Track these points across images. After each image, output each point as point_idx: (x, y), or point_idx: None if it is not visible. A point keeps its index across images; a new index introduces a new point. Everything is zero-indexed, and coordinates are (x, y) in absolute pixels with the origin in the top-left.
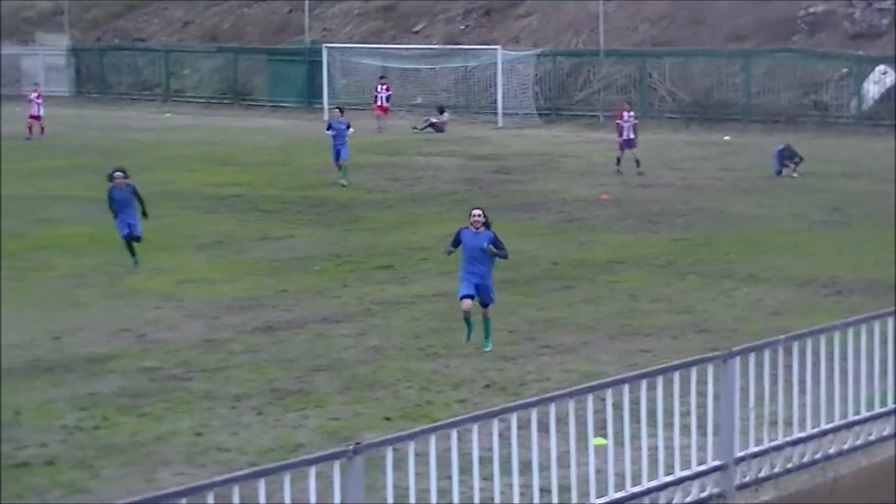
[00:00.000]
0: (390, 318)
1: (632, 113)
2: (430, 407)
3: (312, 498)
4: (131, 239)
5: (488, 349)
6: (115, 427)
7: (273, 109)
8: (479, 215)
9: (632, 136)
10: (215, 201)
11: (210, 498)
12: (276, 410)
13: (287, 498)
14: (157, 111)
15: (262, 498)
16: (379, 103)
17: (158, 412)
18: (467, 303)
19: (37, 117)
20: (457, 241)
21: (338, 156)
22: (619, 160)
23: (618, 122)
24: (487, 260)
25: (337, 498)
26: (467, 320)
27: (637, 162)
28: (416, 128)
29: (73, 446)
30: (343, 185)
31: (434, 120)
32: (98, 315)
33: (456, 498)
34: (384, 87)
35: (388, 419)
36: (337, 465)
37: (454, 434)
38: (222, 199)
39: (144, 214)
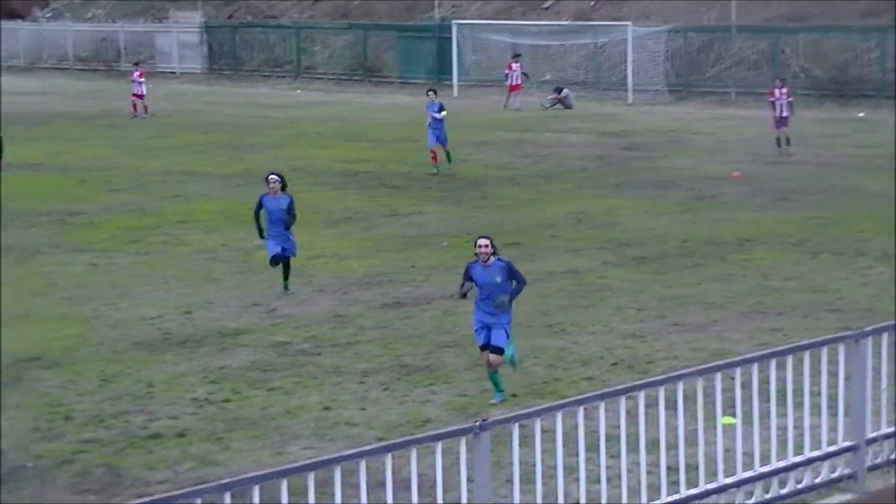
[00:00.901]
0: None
1: (784, 90)
2: (558, 384)
3: (439, 473)
4: (283, 259)
5: (497, 401)
6: (245, 400)
7: (402, 86)
8: (487, 245)
9: (785, 113)
10: (345, 177)
11: (338, 472)
12: (404, 386)
13: (414, 473)
14: (288, 88)
15: (388, 472)
16: (512, 82)
17: (288, 386)
18: (486, 354)
19: (140, 96)
20: (467, 278)
21: (436, 140)
22: (778, 140)
23: (770, 99)
24: (505, 296)
25: (463, 474)
26: (492, 376)
27: (785, 140)
28: (544, 104)
29: (203, 419)
30: (446, 172)
31: (558, 96)
32: (229, 290)
33: (583, 475)
34: (518, 65)
35: (514, 396)
36: (464, 442)
37: (581, 411)
38: (352, 176)
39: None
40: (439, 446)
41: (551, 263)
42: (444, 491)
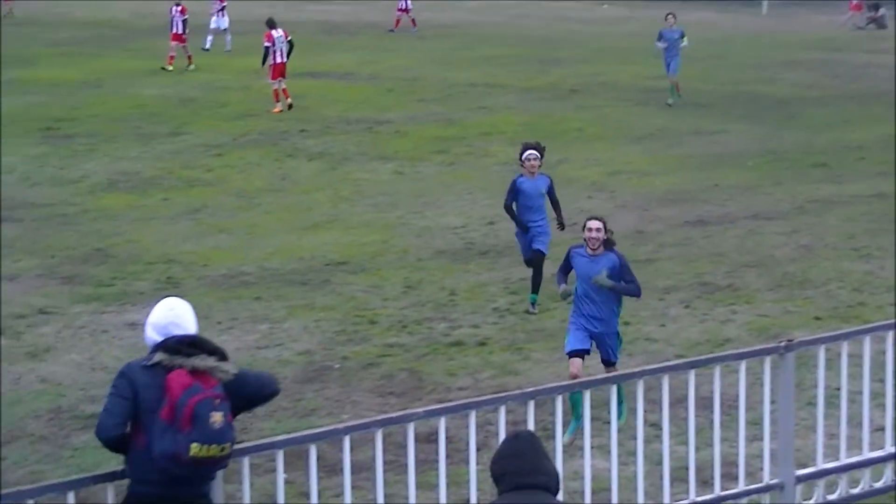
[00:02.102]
0: (824, 216)
1: None
2: (863, 308)
3: (742, 391)
4: (535, 260)
5: (621, 422)
6: (545, 312)
7: (709, 3)
8: (598, 229)
9: None
10: (649, 94)
11: (640, 386)
12: (705, 304)
13: (716, 390)
14: (595, 3)
15: (691, 389)
16: (855, 1)
17: None
18: (577, 364)
19: (405, 10)
20: (567, 268)
21: (668, 69)
22: None
23: None
24: (612, 296)
25: (766, 394)
26: (575, 396)
27: None
28: (858, 24)
29: (504, 329)
30: (668, 105)
31: (874, 15)
32: None
33: (889, 402)
34: None
35: (818, 318)
36: (768, 361)
37: (891, 336)
38: (656, 93)
39: (560, 224)
40: (743, 365)
41: (859, 186)
42: (746, 410)
